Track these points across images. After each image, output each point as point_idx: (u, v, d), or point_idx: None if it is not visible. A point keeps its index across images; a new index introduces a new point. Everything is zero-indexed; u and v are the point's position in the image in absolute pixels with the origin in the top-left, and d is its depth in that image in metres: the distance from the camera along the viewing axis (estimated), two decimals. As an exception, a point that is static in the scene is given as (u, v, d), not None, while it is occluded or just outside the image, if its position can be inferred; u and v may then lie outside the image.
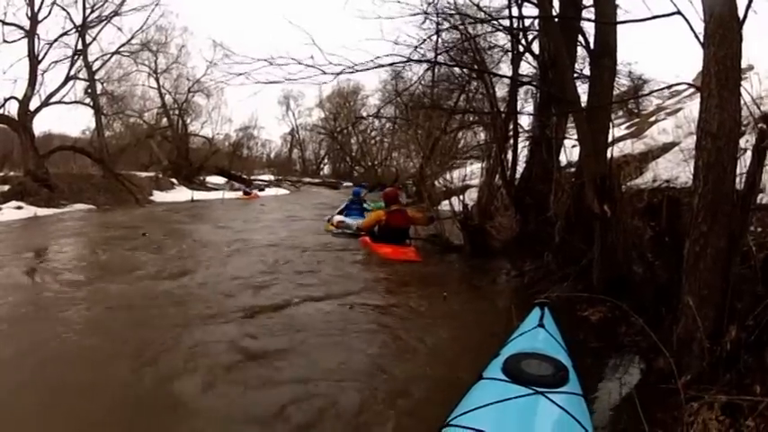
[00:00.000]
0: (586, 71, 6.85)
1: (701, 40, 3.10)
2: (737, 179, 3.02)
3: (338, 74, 5.20)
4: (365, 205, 12.40)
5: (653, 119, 14.93)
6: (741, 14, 2.99)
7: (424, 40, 8.10)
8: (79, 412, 2.97)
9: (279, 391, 3.23)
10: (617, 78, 6.01)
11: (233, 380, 3.43)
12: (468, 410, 2.29)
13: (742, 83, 3.06)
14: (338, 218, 11.12)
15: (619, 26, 5.20)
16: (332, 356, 3.81)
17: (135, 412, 3.01)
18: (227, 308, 4.98)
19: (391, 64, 6.17)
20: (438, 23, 8.81)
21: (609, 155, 5.30)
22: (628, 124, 15.05)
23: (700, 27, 3.15)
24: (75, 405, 3.05)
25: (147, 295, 5.44)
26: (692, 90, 15.10)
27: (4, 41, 19.00)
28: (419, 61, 6.93)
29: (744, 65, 3.19)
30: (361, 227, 9.28)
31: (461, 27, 8.47)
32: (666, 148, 8.64)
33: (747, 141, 3.23)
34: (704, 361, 2.85)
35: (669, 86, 5.72)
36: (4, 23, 18.74)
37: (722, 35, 2.91)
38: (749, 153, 2.98)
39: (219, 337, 4.19)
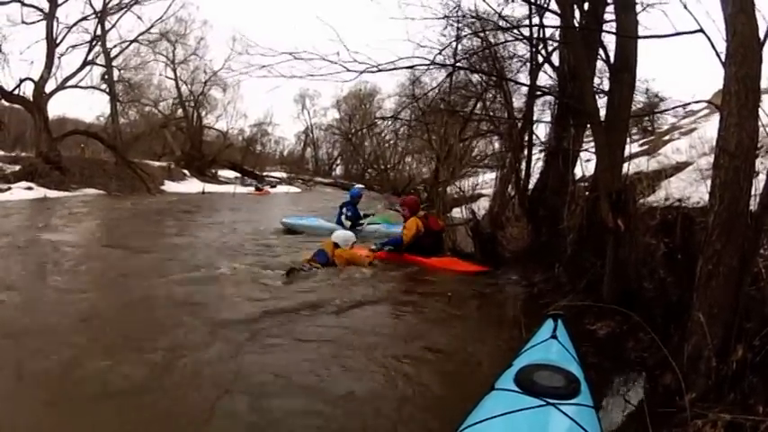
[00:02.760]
0: (604, 85, 6.87)
1: (722, 58, 3.11)
2: (752, 199, 3.02)
3: (361, 72, 5.23)
4: (344, 209, 10.53)
5: (667, 137, 14.87)
6: (762, 35, 2.99)
7: (446, 46, 8.15)
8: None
9: (278, 399, 3.22)
10: (635, 95, 5.99)
11: (238, 372, 3.49)
12: (479, 421, 2.31)
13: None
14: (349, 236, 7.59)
15: (640, 42, 5.21)
16: (337, 365, 3.81)
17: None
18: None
19: (412, 66, 6.23)
20: (459, 29, 8.86)
21: (625, 170, 5.30)
22: (642, 141, 15.00)
23: (721, 46, 3.16)
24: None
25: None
26: (707, 111, 15.06)
27: (23, 22, 19.29)
28: (440, 65, 6.94)
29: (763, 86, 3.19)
30: (404, 243, 7.75)
31: (482, 35, 8.51)
32: (680, 167, 8.61)
33: (762, 163, 3.24)
34: (710, 379, 2.85)
35: (686, 104, 5.70)
36: (23, 4, 19.01)
37: (743, 54, 2.92)
38: (762, 176, 2.98)
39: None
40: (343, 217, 10.47)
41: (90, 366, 3.41)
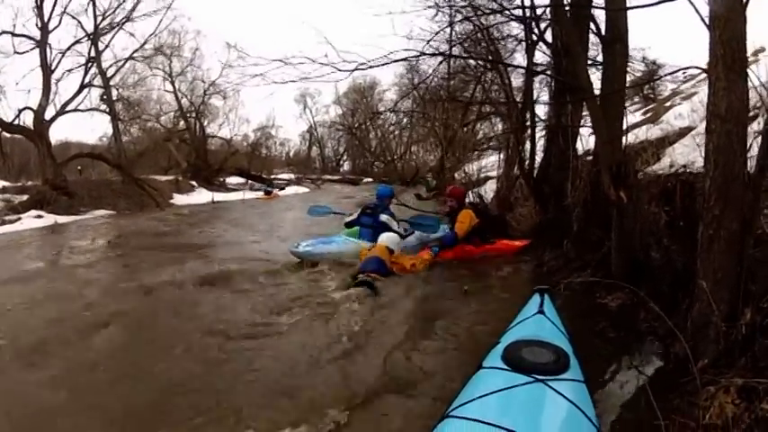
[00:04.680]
0: (600, 58, 6.82)
1: (707, 22, 3.08)
2: (748, 162, 3.00)
3: (352, 70, 5.23)
4: (383, 217, 7.35)
5: (668, 104, 14.76)
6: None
7: (438, 32, 8.11)
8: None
9: (273, 382, 3.31)
10: (631, 64, 5.94)
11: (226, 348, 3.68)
12: (468, 400, 2.30)
13: (754, 66, 3.04)
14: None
15: (632, 12, 5.16)
16: (334, 343, 3.91)
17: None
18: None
19: (405, 59, 6.21)
20: (451, 15, 8.81)
21: (625, 141, 5.27)
22: (644, 110, 14.89)
23: (705, 10, 3.13)
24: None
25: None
26: (705, 74, 14.94)
27: (16, 53, 19.27)
28: (433, 54, 6.90)
29: (757, 46, 3.16)
30: (459, 237, 7.17)
31: (474, 18, 8.47)
32: (683, 132, 8.53)
33: (759, 124, 3.20)
34: (720, 345, 2.85)
35: (679, 70, 5.65)
36: (14, 35, 18.98)
37: (726, 17, 2.89)
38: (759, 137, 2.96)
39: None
40: (399, 228, 7.44)
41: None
